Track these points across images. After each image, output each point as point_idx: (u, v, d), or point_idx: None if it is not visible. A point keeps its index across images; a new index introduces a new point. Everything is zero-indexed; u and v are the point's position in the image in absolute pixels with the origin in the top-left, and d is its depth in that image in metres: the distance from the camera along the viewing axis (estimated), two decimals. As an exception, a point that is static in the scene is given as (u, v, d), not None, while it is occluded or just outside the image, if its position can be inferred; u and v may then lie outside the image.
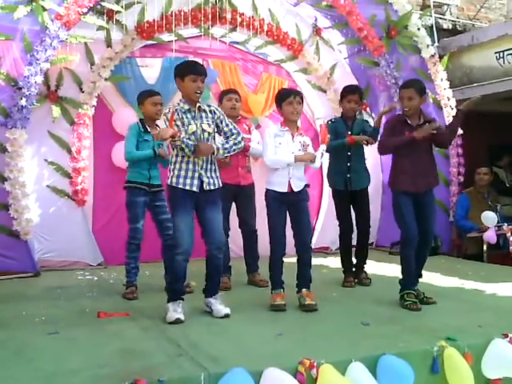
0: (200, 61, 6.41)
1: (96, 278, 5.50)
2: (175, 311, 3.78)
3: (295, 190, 4.27)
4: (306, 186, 4.38)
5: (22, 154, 5.49)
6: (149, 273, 5.31)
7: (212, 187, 3.94)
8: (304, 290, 4.23)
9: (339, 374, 2.88)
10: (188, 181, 3.88)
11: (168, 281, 4.14)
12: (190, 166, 3.89)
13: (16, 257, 5.51)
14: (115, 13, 5.96)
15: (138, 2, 6.08)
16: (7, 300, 4.54)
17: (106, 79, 6.06)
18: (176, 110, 3.89)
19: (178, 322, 3.73)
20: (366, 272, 5.27)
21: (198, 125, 3.91)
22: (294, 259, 4.36)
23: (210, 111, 4.01)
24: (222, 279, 4.96)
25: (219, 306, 3.94)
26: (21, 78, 5.39)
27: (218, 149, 3.90)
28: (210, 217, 3.94)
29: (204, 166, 3.92)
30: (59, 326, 3.67)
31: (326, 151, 4.63)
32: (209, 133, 3.94)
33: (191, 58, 6.38)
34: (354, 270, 5.23)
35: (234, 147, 4.00)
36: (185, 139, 3.80)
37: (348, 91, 5.26)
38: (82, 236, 6.05)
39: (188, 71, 3.92)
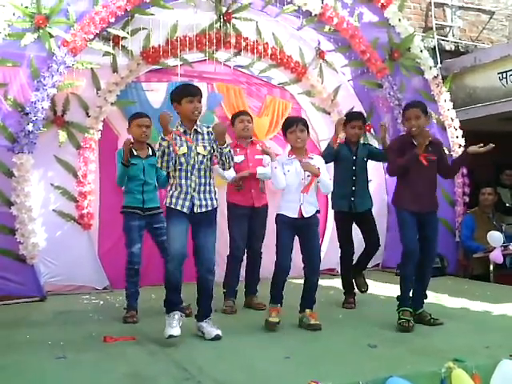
0: (205, 85, 6.56)
1: (102, 302, 5.50)
2: (170, 326, 3.82)
3: (305, 215, 4.33)
4: (317, 211, 4.43)
5: (29, 178, 5.52)
6: (155, 296, 5.30)
7: (204, 209, 3.98)
8: (307, 310, 4.28)
9: (347, 397, 2.88)
10: (180, 201, 3.95)
11: (166, 293, 4.14)
12: (184, 189, 3.96)
13: (22, 281, 5.51)
14: (121, 39, 6.03)
15: (143, 28, 6.16)
16: (13, 324, 4.54)
17: (111, 104, 6.11)
18: (172, 132, 3.98)
19: (171, 338, 3.75)
20: (364, 278, 5.29)
21: (193, 147, 3.97)
22: (301, 280, 4.38)
23: (208, 132, 4.06)
24: (227, 303, 4.97)
25: (210, 328, 3.91)
26: (28, 103, 5.45)
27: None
28: (202, 238, 3.98)
29: (197, 189, 3.97)
30: (66, 350, 3.67)
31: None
32: (203, 155, 4.00)
33: (196, 81, 6.44)
34: (355, 293, 5.24)
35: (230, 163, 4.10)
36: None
37: (352, 117, 5.33)
38: (88, 260, 6.06)
39: (184, 94, 4.02)
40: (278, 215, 4.42)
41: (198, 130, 4.03)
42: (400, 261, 4.44)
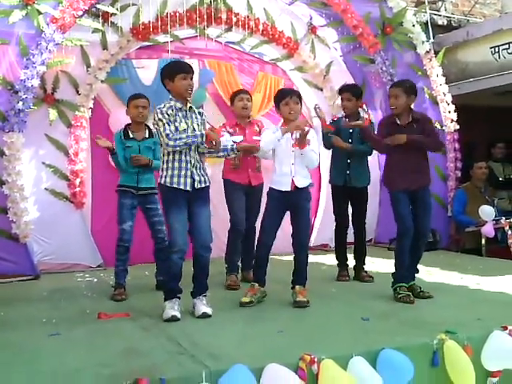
0: (196, 61, 6.50)
1: (96, 280, 5.51)
2: (172, 309, 3.80)
3: (299, 186, 4.28)
4: (310, 184, 4.41)
5: (20, 157, 5.49)
6: (148, 273, 5.32)
7: (203, 185, 3.99)
8: (297, 286, 4.26)
9: (340, 369, 2.89)
10: (182, 180, 3.91)
11: (165, 280, 4.12)
12: (183, 165, 3.92)
13: (15, 260, 5.51)
14: (110, 15, 5.96)
15: (133, 4, 6.08)
16: (7, 303, 4.53)
17: (102, 81, 6.06)
18: (171, 106, 3.93)
19: (174, 319, 3.74)
20: (366, 271, 5.30)
21: (189, 124, 3.95)
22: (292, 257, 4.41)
23: (199, 113, 4.08)
24: (230, 277, 4.98)
25: (200, 306, 3.87)
26: (17, 81, 5.40)
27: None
28: (197, 214, 3.96)
29: (196, 165, 3.96)
30: (60, 327, 3.68)
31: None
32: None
33: (187, 58, 6.38)
34: (348, 264, 5.29)
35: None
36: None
37: (339, 90, 5.41)
38: (81, 238, 6.05)
39: (177, 71, 3.97)
40: (270, 189, 4.39)
41: (192, 107, 4.03)
42: (395, 237, 4.48)
